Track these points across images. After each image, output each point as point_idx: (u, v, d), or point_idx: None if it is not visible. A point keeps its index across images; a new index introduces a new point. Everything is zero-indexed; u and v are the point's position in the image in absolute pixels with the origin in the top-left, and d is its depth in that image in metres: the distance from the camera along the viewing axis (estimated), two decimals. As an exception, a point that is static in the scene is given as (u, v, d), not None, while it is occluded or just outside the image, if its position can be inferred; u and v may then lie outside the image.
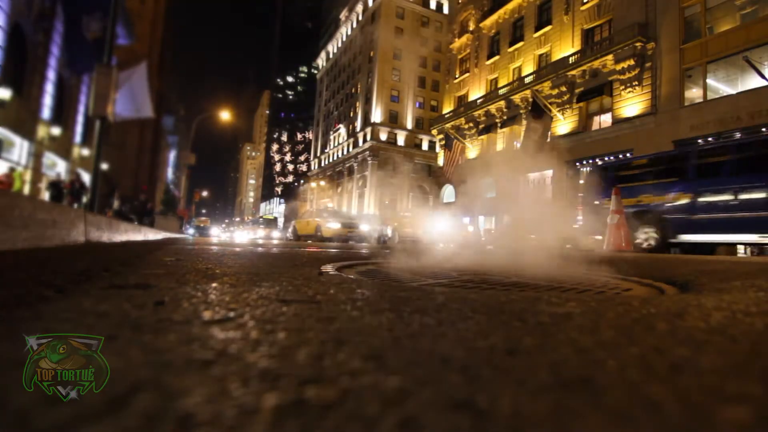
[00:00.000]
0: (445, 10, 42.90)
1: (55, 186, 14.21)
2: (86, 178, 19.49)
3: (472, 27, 30.12)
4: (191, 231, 32.67)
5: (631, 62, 18.15)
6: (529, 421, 0.39)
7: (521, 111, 23.93)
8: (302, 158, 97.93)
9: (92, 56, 14.36)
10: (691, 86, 16.78)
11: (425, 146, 45.90)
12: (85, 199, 13.53)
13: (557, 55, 22.58)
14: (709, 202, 6.35)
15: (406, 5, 46.81)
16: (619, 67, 18.61)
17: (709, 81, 16.09)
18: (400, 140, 45.71)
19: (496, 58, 27.58)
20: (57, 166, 19.16)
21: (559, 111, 21.51)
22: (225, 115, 26.38)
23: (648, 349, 0.66)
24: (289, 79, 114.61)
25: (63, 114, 19.09)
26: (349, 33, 55.39)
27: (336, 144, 55.90)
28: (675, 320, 0.91)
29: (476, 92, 28.87)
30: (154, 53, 28.17)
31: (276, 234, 30.21)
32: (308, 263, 2.85)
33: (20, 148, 15.89)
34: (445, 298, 1.20)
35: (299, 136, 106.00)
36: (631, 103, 18.39)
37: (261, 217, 39.85)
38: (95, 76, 6.79)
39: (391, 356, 0.60)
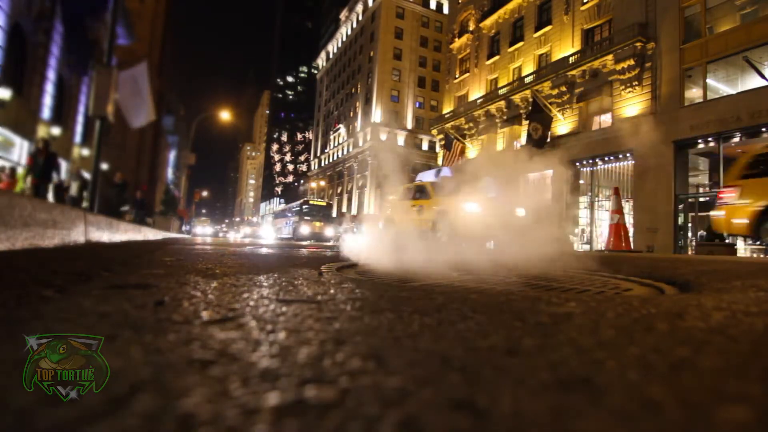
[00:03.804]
0: (445, 10, 42.90)
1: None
2: (87, 177, 19.39)
3: (472, 27, 30.11)
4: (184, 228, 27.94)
5: (631, 62, 18.14)
6: (529, 421, 0.39)
7: (521, 111, 23.94)
8: (302, 158, 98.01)
9: (92, 56, 14.05)
10: (691, 86, 16.78)
11: (425, 146, 45.92)
12: (55, 179, 10.05)
13: (557, 55, 22.57)
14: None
15: (406, 5, 46.82)
16: (619, 67, 18.60)
17: (709, 81, 16.09)
18: (400, 140, 45.72)
19: (496, 58, 27.57)
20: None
21: (559, 111, 21.51)
22: (225, 115, 26.34)
23: (648, 349, 0.66)
24: (289, 79, 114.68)
25: (63, 114, 19.10)
26: (349, 33, 55.39)
27: (336, 144, 55.90)
28: (675, 320, 0.91)
29: (476, 92, 28.87)
30: (154, 53, 28.17)
31: (330, 233, 18.09)
32: (308, 263, 2.85)
33: (20, 148, 15.89)
34: (445, 298, 1.20)
35: (299, 136, 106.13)
36: (631, 103, 18.39)
37: (306, 201, 21.31)
38: (95, 76, 6.79)
39: (391, 356, 0.60)
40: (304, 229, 18.98)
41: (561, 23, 22.83)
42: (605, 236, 14.08)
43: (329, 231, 18.72)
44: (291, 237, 20.88)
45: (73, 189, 13.38)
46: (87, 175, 16.93)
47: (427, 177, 11.65)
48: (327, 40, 65.53)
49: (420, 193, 9.42)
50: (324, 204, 22.32)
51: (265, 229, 29.47)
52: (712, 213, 7.96)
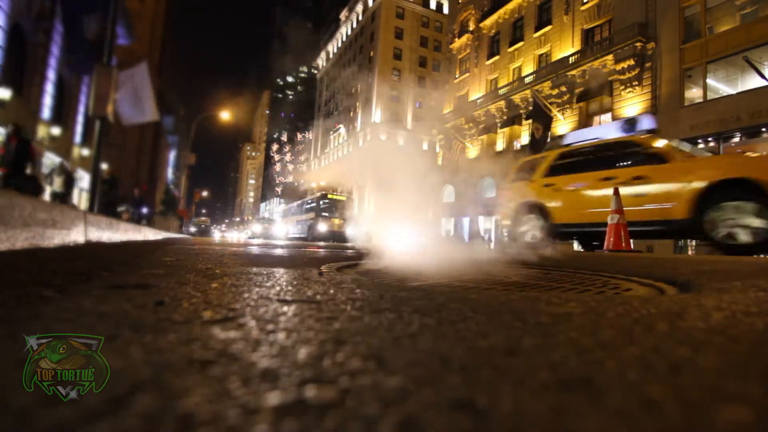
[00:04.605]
0: (445, 10, 42.92)
1: None
2: (86, 178, 19.33)
3: (472, 27, 30.13)
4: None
5: (631, 62, 18.15)
6: (529, 421, 0.39)
7: (521, 111, 23.94)
8: (302, 158, 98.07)
9: (92, 56, 13.96)
10: (691, 86, 16.78)
11: (425, 146, 45.95)
12: (28, 170, 8.76)
13: (557, 55, 22.58)
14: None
15: (406, 5, 46.84)
16: (619, 67, 18.61)
17: (709, 81, 16.10)
18: (400, 140, 45.74)
19: (496, 58, 27.58)
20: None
21: (559, 111, 21.50)
22: (225, 115, 26.37)
23: (648, 349, 0.66)
24: (289, 79, 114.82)
25: (63, 114, 19.11)
26: (349, 33, 55.41)
27: (336, 144, 55.91)
28: (675, 320, 0.91)
29: (476, 92, 28.87)
30: (154, 53, 28.19)
31: (351, 232, 14.36)
32: (308, 263, 2.85)
33: (20, 148, 15.88)
34: (445, 298, 1.20)
35: (299, 136, 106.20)
36: (631, 103, 18.39)
37: (324, 195, 17.71)
38: (95, 76, 6.79)
39: (391, 356, 0.60)
40: (322, 228, 16.59)
41: (561, 23, 22.83)
42: (605, 236, 13.97)
43: (350, 229, 15.77)
44: (305, 236, 18.70)
45: (57, 184, 12.57)
46: (70, 167, 16.26)
47: (607, 133, 7.54)
48: (327, 40, 65.57)
49: (630, 158, 5.54)
50: (344, 199, 19.60)
51: (278, 227, 24.71)
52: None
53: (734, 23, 15.53)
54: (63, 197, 12.28)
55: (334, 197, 19.46)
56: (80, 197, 21.45)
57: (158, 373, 0.50)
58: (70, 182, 12.82)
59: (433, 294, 1.29)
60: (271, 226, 27.29)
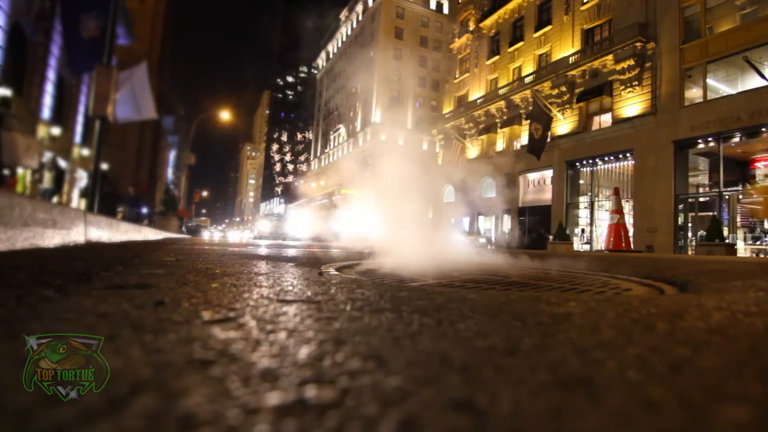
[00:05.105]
0: (445, 10, 42.95)
1: None
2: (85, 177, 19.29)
3: (472, 27, 30.10)
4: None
5: (631, 62, 18.14)
6: (528, 421, 0.39)
7: (521, 111, 23.94)
8: (302, 158, 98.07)
9: (92, 56, 13.95)
10: (691, 86, 16.77)
11: (425, 146, 45.95)
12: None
13: (557, 55, 22.56)
14: None
15: (406, 5, 46.85)
16: (619, 67, 18.60)
17: (709, 81, 16.09)
18: (400, 140, 45.74)
19: (496, 58, 27.56)
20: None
21: (559, 111, 21.50)
22: (225, 115, 26.32)
23: (648, 349, 0.66)
24: (289, 79, 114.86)
25: (63, 114, 19.10)
26: (349, 33, 55.44)
27: (336, 144, 55.92)
28: (675, 320, 0.91)
29: (476, 92, 28.87)
30: (154, 53, 28.18)
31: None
32: (308, 263, 2.85)
33: (20, 148, 15.85)
34: (445, 298, 1.20)
35: (299, 136, 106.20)
36: (631, 103, 18.38)
37: (336, 192, 16.90)
38: (95, 76, 6.78)
39: (391, 356, 0.60)
40: (334, 226, 15.66)
41: (561, 23, 22.83)
42: (605, 236, 14.00)
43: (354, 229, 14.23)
44: (316, 235, 17.66)
45: (47, 180, 12.19)
46: (63, 164, 15.95)
47: None
48: (327, 40, 65.60)
49: None
50: (357, 194, 17.40)
51: (290, 226, 21.43)
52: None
53: (734, 23, 15.52)
54: (53, 193, 12.11)
55: (349, 192, 17.85)
56: (79, 197, 21.43)
57: (158, 373, 0.50)
58: (60, 177, 12.66)
59: (433, 294, 1.29)
60: (281, 224, 24.60)
